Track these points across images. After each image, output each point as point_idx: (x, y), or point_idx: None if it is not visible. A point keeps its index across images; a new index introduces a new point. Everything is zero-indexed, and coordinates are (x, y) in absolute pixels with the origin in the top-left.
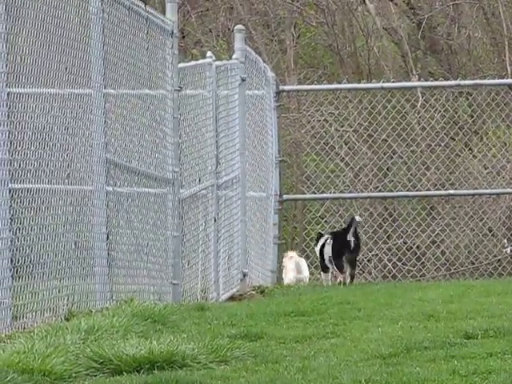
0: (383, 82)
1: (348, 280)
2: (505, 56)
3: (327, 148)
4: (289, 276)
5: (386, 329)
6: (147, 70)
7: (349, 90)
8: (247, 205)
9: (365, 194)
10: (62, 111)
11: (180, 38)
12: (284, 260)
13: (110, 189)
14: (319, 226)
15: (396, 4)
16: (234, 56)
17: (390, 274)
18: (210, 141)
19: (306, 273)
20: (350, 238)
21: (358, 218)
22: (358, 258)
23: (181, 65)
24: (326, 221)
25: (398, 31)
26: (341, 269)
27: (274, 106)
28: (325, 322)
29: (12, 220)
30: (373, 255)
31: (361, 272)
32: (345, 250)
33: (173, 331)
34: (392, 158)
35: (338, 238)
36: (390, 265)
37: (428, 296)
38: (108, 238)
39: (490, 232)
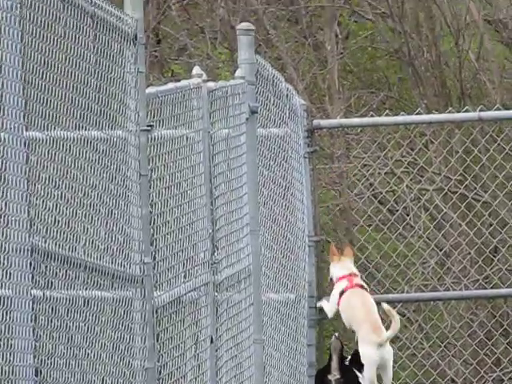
0: (481, 109)
1: None
2: None
3: (393, 219)
4: (366, 346)
5: None
6: (95, 100)
7: (429, 123)
8: (265, 314)
9: (457, 293)
10: None
11: (151, 43)
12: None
13: (39, 293)
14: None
15: None
16: (237, 73)
17: None
18: (202, 211)
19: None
20: (333, 376)
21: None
22: None
23: (150, 89)
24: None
25: (508, 25)
26: None
27: (304, 153)
28: None
29: None
30: None
31: None
32: None
33: None
34: (501, 233)
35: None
36: None
37: None
38: (39, 374)
39: None
